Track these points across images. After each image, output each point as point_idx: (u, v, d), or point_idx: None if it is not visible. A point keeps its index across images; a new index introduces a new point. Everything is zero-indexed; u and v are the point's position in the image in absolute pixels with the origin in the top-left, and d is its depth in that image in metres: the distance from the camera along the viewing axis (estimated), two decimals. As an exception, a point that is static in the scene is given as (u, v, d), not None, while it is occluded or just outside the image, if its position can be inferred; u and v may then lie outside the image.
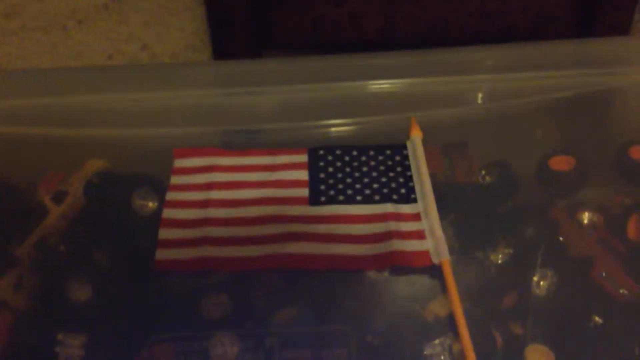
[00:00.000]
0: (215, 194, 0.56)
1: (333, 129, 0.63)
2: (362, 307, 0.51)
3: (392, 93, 0.65)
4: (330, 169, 0.58)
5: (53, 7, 0.98)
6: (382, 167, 0.58)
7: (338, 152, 0.59)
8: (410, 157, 0.58)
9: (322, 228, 0.54)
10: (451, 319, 0.48)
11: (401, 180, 0.57)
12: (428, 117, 0.62)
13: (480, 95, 0.65)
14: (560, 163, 0.58)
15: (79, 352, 0.49)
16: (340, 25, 0.92)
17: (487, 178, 0.59)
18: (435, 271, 0.51)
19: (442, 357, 0.47)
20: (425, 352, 0.48)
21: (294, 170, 0.58)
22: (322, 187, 0.57)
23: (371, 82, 0.65)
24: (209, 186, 0.57)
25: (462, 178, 0.59)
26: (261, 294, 0.52)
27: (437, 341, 0.48)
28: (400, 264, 0.51)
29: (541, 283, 0.51)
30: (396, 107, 0.64)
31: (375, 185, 0.56)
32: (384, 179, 0.57)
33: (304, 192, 0.57)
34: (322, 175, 0.57)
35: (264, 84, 0.66)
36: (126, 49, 0.99)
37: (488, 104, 0.65)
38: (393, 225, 0.53)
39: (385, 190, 0.56)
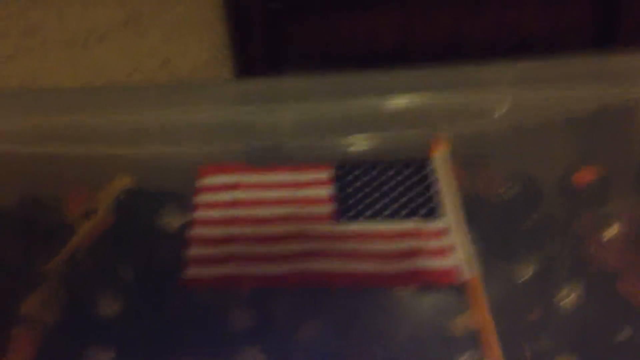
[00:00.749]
0: (240, 212, 0.57)
1: (356, 145, 0.63)
2: (389, 322, 0.51)
3: (414, 108, 0.65)
4: (354, 186, 0.58)
5: (73, 24, 0.99)
6: (407, 183, 0.58)
7: (361, 168, 0.59)
8: (435, 173, 0.58)
9: (347, 245, 0.54)
10: (478, 334, 0.49)
11: (425, 196, 0.57)
12: (451, 132, 0.62)
13: (501, 109, 0.65)
14: (584, 176, 0.58)
15: (107, 368, 0.49)
16: (357, 40, 0.93)
17: (510, 192, 0.59)
18: (461, 286, 0.51)
19: (469, 372, 0.48)
20: (452, 368, 0.48)
21: (318, 187, 0.58)
22: (346, 204, 0.57)
23: (393, 97, 0.65)
24: (234, 204, 0.58)
25: (485, 192, 0.59)
26: (286, 310, 0.52)
27: (463, 356, 0.48)
28: (427, 282, 0.51)
29: (567, 297, 0.51)
30: (418, 122, 0.64)
31: (400, 202, 0.56)
32: (408, 196, 0.57)
33: (328, 209, 0.57)
34: (345, 192, 0.58)
35: (285, 100, 0.66)
36: (147, 65, 1.00)
37: (510, 118, 0.65)
38: (418, 243, 0.53)
39: (409, 207, 0.56)
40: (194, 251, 0.54)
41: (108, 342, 0.50)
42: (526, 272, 0.53)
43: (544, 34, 0.93)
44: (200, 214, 0.57)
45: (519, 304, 0.51)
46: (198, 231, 0.56)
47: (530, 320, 0.51)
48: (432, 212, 0.56)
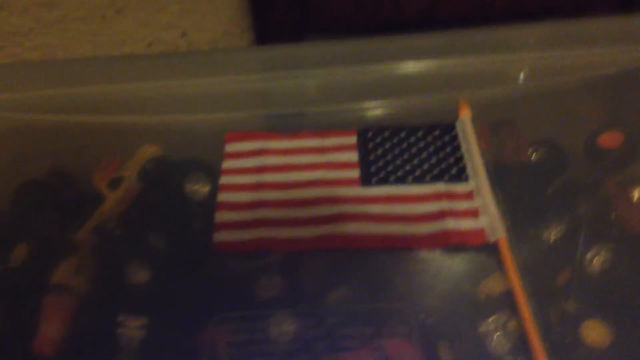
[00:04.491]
0: (268, 177, 0.57)
1: (379, 111, 0.63)
2: (416, 286, 0.51)
3: (437, 73, 0.64)
4: (380, 150, 0.58)
5: (92, -3, 0.99)
6: (432, 148, 0.58)
7: (387, 133, 0.59)
8: (460, 137, 0.58)
9: (374, 208, 0.54)
10: (505, 297, 0.49)
11: (452, 159, 0.57)
12: (474, 96, 0.62)
13: (525, 72, 0.65)
14: (609, 140, 0.58)
15: (139, 334, 0.50)
16: (382, 6, 0.92)
17: (536, 155, 0.58)
18: (488, 249, 0.51)
19: (497, 335, 0.48)
20: (480, 330, 0.48)
21: (343, 151, 0.59)
22: (373, 168, 0.57)
23: (416, 62, 0.65)
24: (261, 169, 0.58)
25: (511, 156, 0.59)
26: (316, 274, 0.53)
27: (491, 319, 0.48)
28: (455, 243, 0.51)
29: (594, 260, 0.51)
30: (442, 86, 0.64)
31: (426, 166, 0.57)
32: (434, 159, 0.57)
33: (355, 173, 0.57)
34: (372, 157, 0.58)
35: (308, 66, 0.66)
36: (165, 37, 1.00)
37: (534, 81, 0.64)
38: (446, 204, 0.53)
39: (436, 170, 0.56)
40: (222, 216, 0.55)
41: (140, 309, 0.51)
42: (553, 235, 0.53)
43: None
44: (227, 179, 0.58)
45: (546, 267, 0.51)
46: (226, 196, 0.56)
47: (557, 283, 0.51)
48: (458, 175, 0.56)
